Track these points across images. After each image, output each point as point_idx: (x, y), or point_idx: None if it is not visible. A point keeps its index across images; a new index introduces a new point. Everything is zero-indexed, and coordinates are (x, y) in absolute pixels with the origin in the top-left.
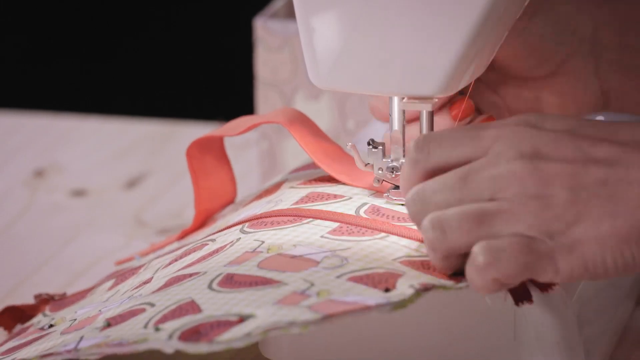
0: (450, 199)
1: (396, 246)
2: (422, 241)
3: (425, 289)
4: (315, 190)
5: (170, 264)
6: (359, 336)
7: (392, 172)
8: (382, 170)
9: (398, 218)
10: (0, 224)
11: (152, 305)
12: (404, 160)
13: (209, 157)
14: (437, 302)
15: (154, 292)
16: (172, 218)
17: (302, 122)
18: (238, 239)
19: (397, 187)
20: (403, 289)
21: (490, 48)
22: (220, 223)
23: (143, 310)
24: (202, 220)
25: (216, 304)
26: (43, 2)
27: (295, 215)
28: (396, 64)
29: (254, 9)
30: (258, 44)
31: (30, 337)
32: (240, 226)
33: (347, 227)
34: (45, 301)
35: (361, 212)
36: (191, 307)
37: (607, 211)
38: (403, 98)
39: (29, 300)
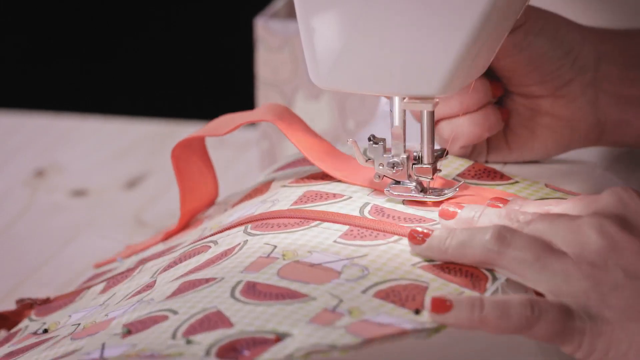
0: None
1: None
2: None
3: None
4: (310, 189)
5: (170, 266)
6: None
7: (393, 168)
8: (383, 166)
9: (404, 219)
10: (0, 224)
11: (175, 312)
12: (404, 156)
13: (193, 157)
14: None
15: (169, 297)
16: (172, 218)
17: (290, 118)
18: (245, 241)
19: (397, 182)
20: None
21: (491, 48)
22: (209, 224)
23: (165, 317)
24: (187, 221)
25: (246, 318)
26: (43, 2)
27: (301, 217)
28: (396, 64)
29: (254, 9)
30: (258, 44)
31: (27, 342)
32: (242, 227)
33: (358, 230)
34: (28, 306)
35: (365, 213)
36: (219, 318)
37: None
38: (404, 98)
39: None
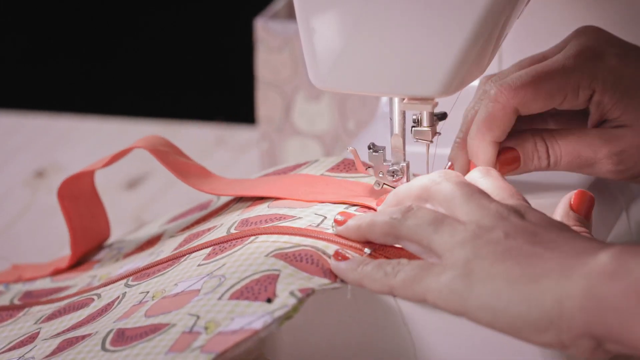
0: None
1: (266, 243)
2: (290, 234)
3: (307, 295)
4: (191, 232)
5: (55, 316)
6: (360, 336)
7: (393, 176)
8: (383, 174)
9: (266, 221)
10: (0, 224)
11: None
12: (404, 163)
13: (81, 196)
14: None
15: (47, 356)
16: None
17: (166, 147)
18: (124, 294)
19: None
20: (284, 297)
21: (491, 49)
22: (99, 272)
23: None
24: (77, 260)
25: None
26: (43, 2)
27: (172, 259)
28: (396, 65)
29: (255, 9)
30: (258, 44)
31: None
32: (124, 280)
33: (220, 246)
34: None
35: (232, 230)
36: None
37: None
38: (403, 99)
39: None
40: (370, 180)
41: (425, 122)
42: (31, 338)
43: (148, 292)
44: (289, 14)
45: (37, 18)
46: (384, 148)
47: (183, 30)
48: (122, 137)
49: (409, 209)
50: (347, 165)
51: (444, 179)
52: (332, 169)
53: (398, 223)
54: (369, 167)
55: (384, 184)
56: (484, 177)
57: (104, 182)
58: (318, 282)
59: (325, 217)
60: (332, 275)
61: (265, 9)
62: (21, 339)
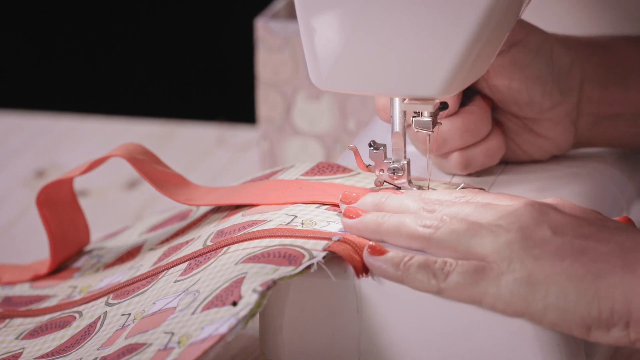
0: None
1: (237, 252)
2: (260, 237)
3: (268, 287)
4: (170, 245)
5: (36, 333)
6: (359, 336)
7: (394, 174)
8: (384, 172)
9: (239, 229)
10: (0, 224)
11: None
12: (405, 161)
13: (60, 203)
14: (445, 304)
15: None
16: None
17: (144, 155)
18: (105, 314)
19: (397, 188)
20: (247, 296)
21: (491, 49)
22: (80, 282)
23: None
24: (57, 266)
25: None
26: (43, 2)
27: (151, 275)
28: (397, 65)
29: (255, 9)
30: (259, 44)
31: None
32: (105, 298)
33: (195, 261)
34: None
35: (208, 242)
36: None
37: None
38: (404, 99)
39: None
40: (346, 180)
41: (426, 113)
42: (14, 357)
43: (130, 314)
44: (289, 14)
45: (37, 18)
46: (384, 146)
47: (183, 30)
48: (122, 137)
49: (442, 218)
50: (321, 169)
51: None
52: (306, 173)
53: (430, 230)
54: (369, 165)
55: (385, 181)
56: (476, 195)
57: (104, 182)
58: (283, 271)
59: (296, 216)
60: (297, 262)
61: (265, 9)
62: (3, 357)
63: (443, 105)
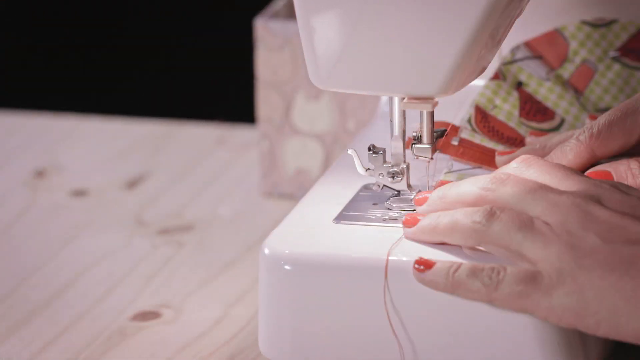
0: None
1: None
2: None
3: None
4: None
5: None
6: (359, 336)
7: (393, 178)
8: (383, 176)
9: None
10: (0, 224)
11: None
12: (404, 165)
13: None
14: (446, 303)
15: None
16: (172, 218)
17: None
18: None
19: (397, 192)
20: None
21: (491, 49)
22: None
23: None
24: None
25: None
26: (43, 2)
27: None
28: (396, 64)
29: (255, 9)
30: (258, 44)
31: None
32: None
33: None
34: None
35: None
36: None
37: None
38: (403, 98)
39: (29, 300)
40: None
41: (425, 140)
42: None
43: None
44: (289, 14)
45: (37, 18)
46: (384, 150)
47: (183, 30)
48: (122, 137)
49: (492, 212)
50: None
51: (497, 183)
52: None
53: (483, 227)
54: (368, 169)
55: (384, 185)
56: (529, 168)
57: (103, 182)
58: None
59: None
60: None
61: (265, 9)
62: None
63: (441, 133)
